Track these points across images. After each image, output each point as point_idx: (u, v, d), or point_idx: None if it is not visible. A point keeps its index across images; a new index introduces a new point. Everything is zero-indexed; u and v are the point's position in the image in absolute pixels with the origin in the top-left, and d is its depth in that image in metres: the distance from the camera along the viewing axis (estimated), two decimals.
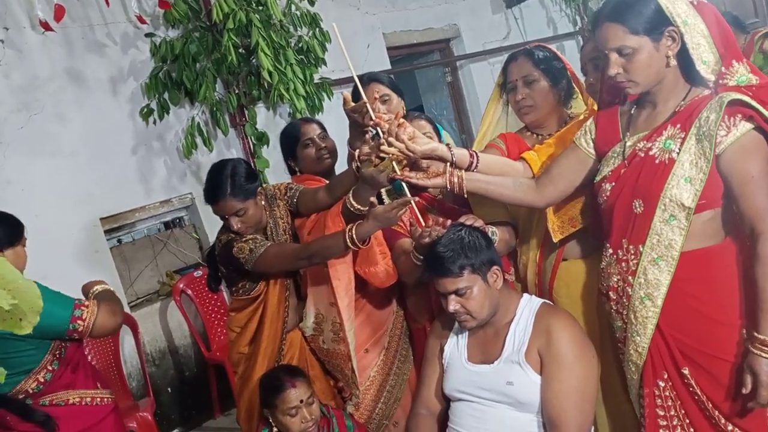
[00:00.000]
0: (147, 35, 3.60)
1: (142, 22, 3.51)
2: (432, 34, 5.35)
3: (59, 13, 3.20)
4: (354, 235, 1.94)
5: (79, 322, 1.95)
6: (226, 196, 2.13)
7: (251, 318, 2.27)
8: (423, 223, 1.95)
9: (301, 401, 2.05)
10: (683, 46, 1.61)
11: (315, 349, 2.32)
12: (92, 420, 2.04)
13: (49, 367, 1.97)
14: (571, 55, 5.67)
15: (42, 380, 1.96)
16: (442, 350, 2.04)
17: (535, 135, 2.18)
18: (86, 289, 2.14)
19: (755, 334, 1.57)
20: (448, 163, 1.89)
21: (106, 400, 2.09)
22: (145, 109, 3.59)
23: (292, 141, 2.46)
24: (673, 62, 1.64)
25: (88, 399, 2.04)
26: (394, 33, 5.04)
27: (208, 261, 2.40)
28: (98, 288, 2.14)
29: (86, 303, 1.99)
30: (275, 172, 3.77)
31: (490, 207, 2.09)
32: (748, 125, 1.57)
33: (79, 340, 2.03)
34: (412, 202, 1.99)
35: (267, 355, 2.24)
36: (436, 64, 5.61)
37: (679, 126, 1.64)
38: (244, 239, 2.15)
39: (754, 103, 1.56)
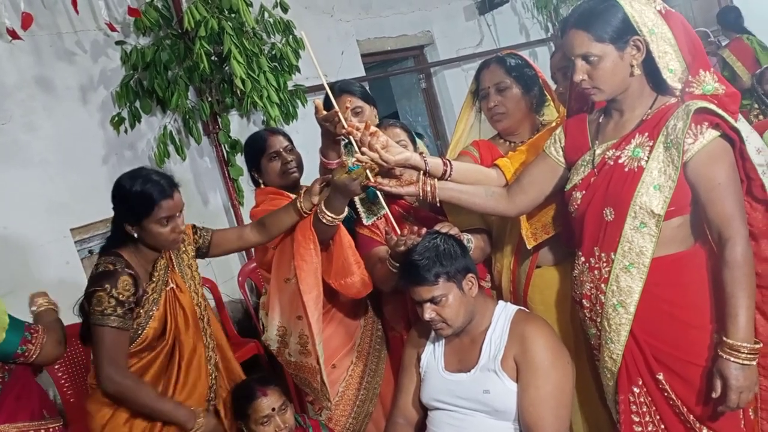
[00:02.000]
0: (117, 43, 3.54)
1: (113, 29, 3.46)
2: (406, 40, 5.37)
3: (27, 21, 3.13)
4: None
5: (29, 345, 1.87)
6: (175, 190, 1.92)
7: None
8: (398, 231, 1.95)
9: (273, 409, 2.03)
10: (650, 54, 1.64)
11: (282, 363, 2.28)
12: None
13: None
14: (543, 61, 5.72)
15: None
16: (419, 359, 2.04)
17: (507, 142, 2.19)
18: (30, 300, 2.07)
19: (724, 338, 1.59)
20: (422, 172, 1.90)
21: (52, 429, 1.95)
22: (116, 118, 3.53)
23: (257, 152, 2.35)
24: (638, 71, 1.66)
25: (32, 431, 1.90)
26: (368, 40, 5.04)
27: (81, 306, 1.98)
28: (41, 305, 2.07)
29: (36, 328, 1.92)
30: (248, 180, 3.74)
31: (465, 214, 2.10)
32: (715, 133, 1.59)
33: (23, 364, 1.92)
34: (387, 209, 1.98)
35: None
36: (410, 70, 5.62)
37: (647, 134, 1.66)
38: (114, 295, 1.83)
39: (720, 111, 1.59)
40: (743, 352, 1.56)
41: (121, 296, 1.84)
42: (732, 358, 1.57)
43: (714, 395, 1.60)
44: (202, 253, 2.13)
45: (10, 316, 1.89)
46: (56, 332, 1.98)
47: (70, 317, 2.40)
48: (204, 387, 2.01)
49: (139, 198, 1.87)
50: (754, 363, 1.59)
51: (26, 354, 1.87)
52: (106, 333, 1.85)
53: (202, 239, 2.11)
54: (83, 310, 1.94)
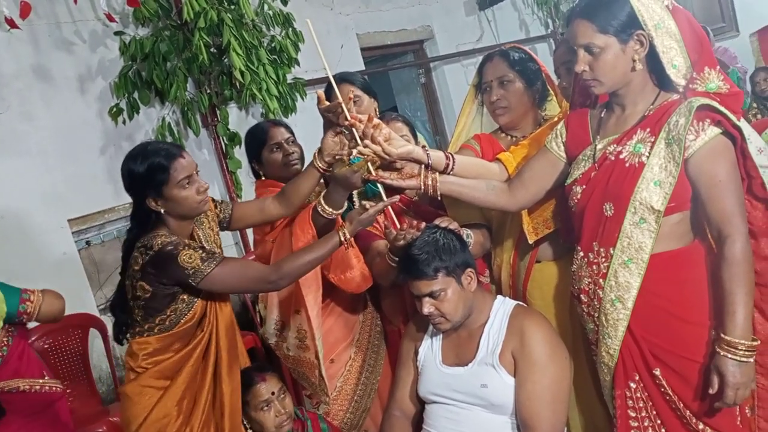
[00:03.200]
0: (116, 33, 3.53)
1: (111, 20, 3.45)
2: (405, 35, 5.36)
3: (25, 10, 3.12)
4: (347, 233, 1.82)
5: (27, 303, 2.12)
6: (183, 151, 1.84)
7: (187, 360, 1.84)
8: (398, 225, 1.94)
9: (273, 393, 2.03)
10: (654, 49, 1.63)
11: (280, 357, 2.28)
12: (40, 406, 2.16)
13: None
14: (543, 57, 5.69)
15: None
16: (416, 352, 2.04)
17: (509, 136, 2.19)
18: None
19: (722, 335, 1.59)
20: (423, 165, 1.89)
21: (54, 388, 2.22)
22: (114, 109, 3.52)
23: (258, 143, 2.32)
24: (640, 66, 1.66)
25: (37, 387, 2.17)
26: (368, 34, 5.04)
27: (114, 306, 1.90)
28: None
29: (32, 290, 2.16)
30: (248, 173, 3.74)
31: (465, 209, 2.10)
32: (717, 130, 1.59)
33: (25, 324, 2.18)
34: (387, 201, 1.98)
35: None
36: (409, 65, 5.61)
37: (648, 130, 1.66)
38: (191, 246, 1.77)
39: (722, 108, 1.59)
40: (741, 349, 1.56)
41: (199, 246, 1.82)
42: (729, 355, 1.57)
43: (711, 391, 1.60)
44: (223, 226, 2.07)
45: (2, 284, 2.12)
46: (53, 291, 2.23)
47: (69, 307, 2.41)
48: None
49: (152, 167, 1.77)
50: (752, 360, 1.59)
51: (27, 311, 2.12)
52: (226, 268, 1.77)
53: (222, 213, 2.05)
54: (115, 309, 1.88)
